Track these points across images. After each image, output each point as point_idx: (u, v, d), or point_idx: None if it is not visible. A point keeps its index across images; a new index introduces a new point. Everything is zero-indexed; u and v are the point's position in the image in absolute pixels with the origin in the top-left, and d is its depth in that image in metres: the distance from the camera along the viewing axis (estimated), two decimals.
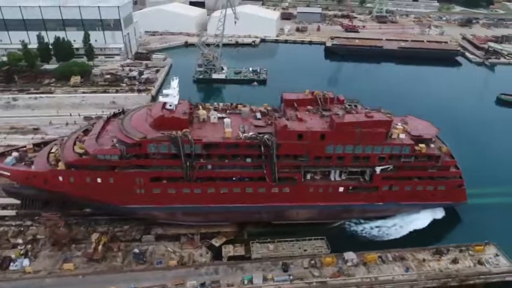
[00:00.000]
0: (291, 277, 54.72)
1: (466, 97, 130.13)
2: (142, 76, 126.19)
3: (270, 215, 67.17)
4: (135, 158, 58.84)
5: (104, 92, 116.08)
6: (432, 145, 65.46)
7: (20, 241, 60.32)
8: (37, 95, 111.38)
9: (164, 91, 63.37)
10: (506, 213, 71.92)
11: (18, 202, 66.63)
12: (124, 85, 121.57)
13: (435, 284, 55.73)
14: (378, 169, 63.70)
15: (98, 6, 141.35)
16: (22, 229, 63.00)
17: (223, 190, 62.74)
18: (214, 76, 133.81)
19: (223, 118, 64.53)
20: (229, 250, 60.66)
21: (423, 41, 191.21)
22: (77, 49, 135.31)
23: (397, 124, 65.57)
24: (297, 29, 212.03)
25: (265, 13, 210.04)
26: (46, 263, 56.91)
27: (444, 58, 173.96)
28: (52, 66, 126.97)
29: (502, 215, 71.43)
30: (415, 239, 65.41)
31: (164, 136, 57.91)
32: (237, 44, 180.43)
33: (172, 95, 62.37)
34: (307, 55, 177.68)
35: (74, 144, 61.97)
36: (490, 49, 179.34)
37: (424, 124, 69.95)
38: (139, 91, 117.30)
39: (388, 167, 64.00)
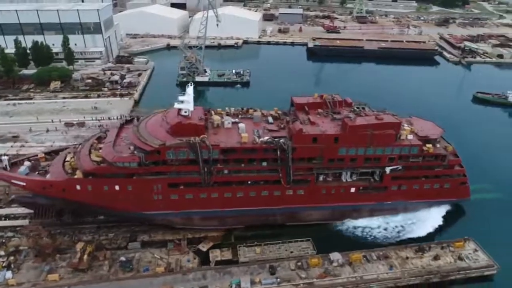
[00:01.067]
0: (278, 279, 55.31)
1: (444, 96, 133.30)
2: (124, 80, 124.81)
3: (284, 217, 68.03)
4: (153, 165, 59.16)
5: (86, 97, 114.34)
6: (438, 145, 67.93)
7: (1, 253, 59.04)
8: (16, 102, 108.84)
9: (180, 98, 63.23)
10: (485, 210, 74.21)
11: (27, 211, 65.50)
12: (106, 89, 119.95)
13: (418, 281, 57.22)
14: (388, 170, 65.43)
15: (77, 10, 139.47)
16: (4, 240, 61.67)
17: (239, 194, 63.76)
18: (197, 79, 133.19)
19: (237, 123, 65.61)
20: (216, 255, 60.85)
21: (402, 41, 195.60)
22: (56, 53, 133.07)
23: (404, 125, 67.34)
24: (279, 30, 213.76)
25: (247, 15, 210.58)
26: (30, 274, 55.82)
27: (423, 57, 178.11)
28: (30, 71, 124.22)
29: (481, 211, 73.73)
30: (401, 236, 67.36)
31: (183, 143, 58.40)
32: (219, 46, 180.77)
33: (187, 102, 62.64)
34: (289, 56, 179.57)
35: (90, 152, 61.75)
36: (466, 48, 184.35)
37: (429, 124, 72.36)
38: (122, 95, 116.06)
39: (398, 167, 65.65)
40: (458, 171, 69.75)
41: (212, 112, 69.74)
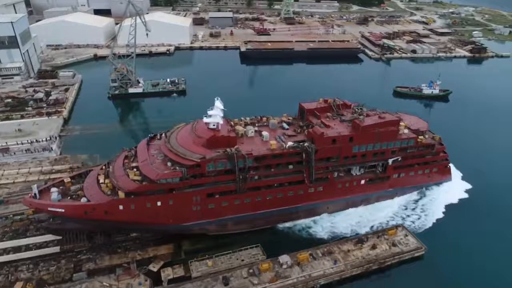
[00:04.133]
0: None
1: (368, 91, 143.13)
2: (50, 97, 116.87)
3: (305, 213, 73.02)
4: (192, 178, 61.67)
5: (7, 119, 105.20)
6: (426, 136, 78.22)
7: None
8: None
9: (209, 112, 65.59)
10: None
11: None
12: (30, 108, 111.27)
13: (359, 271, 62.21)
14: (390, 161, 74.36)
15: None
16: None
17: (269, 197, 68.40)
18: (131, 90, 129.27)
19: (258, 131, 70.62)
20: (168, 273, 60.37)
21: (328, 41, 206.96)
22: None
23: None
24: (211, 35, 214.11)
25: (177, 20, 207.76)
26: None
27: (348, 56, 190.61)
28: None
29: None
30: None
31: (221, 155, 62.13)
32: (151, 54, 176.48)
33: (215, 115, 65.25)
34: (223, 60, 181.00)
35: (126, 172, 62.77)
36: (384, 45, 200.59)
37: (415, 118, 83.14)
38: (49, 114, 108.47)
39: (398, 158, 74.75)
40: (443, 157, 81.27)
41: (232, 122, 72.58)
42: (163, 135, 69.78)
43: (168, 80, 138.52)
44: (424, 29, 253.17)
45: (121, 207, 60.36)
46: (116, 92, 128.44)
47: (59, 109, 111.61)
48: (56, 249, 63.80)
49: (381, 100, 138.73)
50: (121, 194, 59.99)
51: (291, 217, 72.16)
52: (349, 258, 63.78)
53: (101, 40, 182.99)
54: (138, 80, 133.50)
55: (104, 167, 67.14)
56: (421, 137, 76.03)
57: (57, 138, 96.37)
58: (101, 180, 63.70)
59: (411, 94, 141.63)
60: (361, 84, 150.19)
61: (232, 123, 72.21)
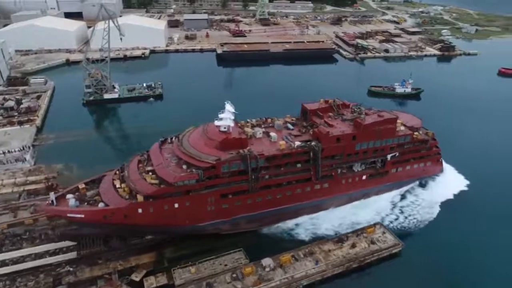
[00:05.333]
0: None
1: (344, 90, 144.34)
2: (22, 106, 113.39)
3: (311, 209, 75.50)
4: (208, 179, 63.65)
5: None
6: (421, 132, 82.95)
7: None
8: None
9: (220, 115, 67.95)
10: None
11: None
12: (0, 118, 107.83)
13: (341, 270, 63.66)
14: (389, 157, 78.29)
15: None
16: None
17: (279, 195, 70.97)
18: (106, 96, 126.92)
19: (266, 132, 73.24)
20: (151, 282, 59.92)
21: (303, 41, 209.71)
22: None
23: None
24: (186, 37, 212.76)
25: (151, 23, 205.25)
26: None
27: (323, 56, 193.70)
28: None
29: None
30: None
31: (235, 156, 64.40)
32: (125, 58, 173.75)
33: (226, 119, 67.45)
34: (199, 63, 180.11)
35: (143, 176, 64.28)
36: (358, 45, 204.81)
37: (409, 116, 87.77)
38: (20, 123, 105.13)
39: (395, 154, 78.66)
40: (436, 151, 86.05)
41: (239, 124, 74.05)
42: (175, 138, 71.28)
43: (145, 84, 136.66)
44: (395, 29, 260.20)
45: (140, 210, 62.03)
46: (91, 98, 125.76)
47: (31, 118, 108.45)
48: (32, 263, 62.55)
49: (358, 99, 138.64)
50: (140, 198, 61.73)
51: (298, 213, 74.99)
52: (330, 258, 65.20)
53: (73, 45, 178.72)
54: (113, 85, 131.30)
55: (117, 172, 68.48)
56: (416, 133, 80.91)
57: (31, 147, 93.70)
58: (118, 185, 65.07)
59: (385, 93, 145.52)
60: (337, 84, 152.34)
61: (239, 124, 74.04)
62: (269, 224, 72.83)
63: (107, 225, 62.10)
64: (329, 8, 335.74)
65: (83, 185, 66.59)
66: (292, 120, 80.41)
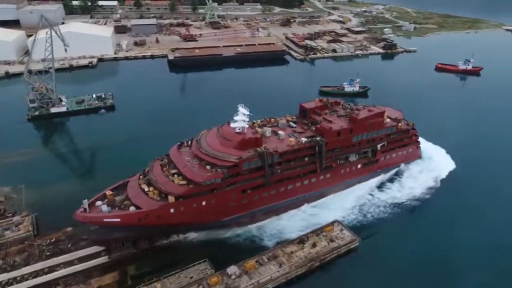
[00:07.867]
0: None
1: (296, 92, 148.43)
2: None
3: (316, 197, 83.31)
4: (231, 177, 69.10)
5: None
6: (402, 123, 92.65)
7: None
8: None
9: (235, 118, 73.45)
10: None
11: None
12: None
13: (303, 270, 66.08)
14: (379, 146, 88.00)
15: None
16: None
17: (290, 186, 77.99)
18: (53, 110, 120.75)
19: (273, 131, 79.66)
20: None
21: (255, 44, 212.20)
22: None
23: None
24: (135, 43, 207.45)
25: (97, 30, 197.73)
26: None
27: (274, 58, 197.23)
28: None
29: None
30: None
31: (254, 154, 70.63)
32: (72, 68, 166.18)
33: (241, 121, 72.96)
34: (151, 70, 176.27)
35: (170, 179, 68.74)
36: (307, 46, 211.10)
37: (390, 109, 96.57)
38: None
39: (384, 143, 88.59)
40: (415, 139, 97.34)
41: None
42: (193, 141, 75.54)
43: (94, 95, 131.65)
44: (341, 28, 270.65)
45: (172, 210, 66.50)
46: (36, 113, 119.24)
47: None
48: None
49: (310, 100, 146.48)
50: (171, 199, 66.15)
51: (305, 201, 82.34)
52: (293, 260, 67.41)
53: (13, 56, 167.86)
54: (60, 98, 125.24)
55: (140, 176, 72.63)
56: (400, 124, 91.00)
57: None
58: (146, 189, 68.99)
59: (335, 93, 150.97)
60: (290, 86, 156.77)
61: (249, 125, 78.63)
62: (280, 213, 79.22)
63: (140, 227, 66.01)
64: (277, 9, 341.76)
65: (110, 192, 69.55)
66: (293, 119, 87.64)
